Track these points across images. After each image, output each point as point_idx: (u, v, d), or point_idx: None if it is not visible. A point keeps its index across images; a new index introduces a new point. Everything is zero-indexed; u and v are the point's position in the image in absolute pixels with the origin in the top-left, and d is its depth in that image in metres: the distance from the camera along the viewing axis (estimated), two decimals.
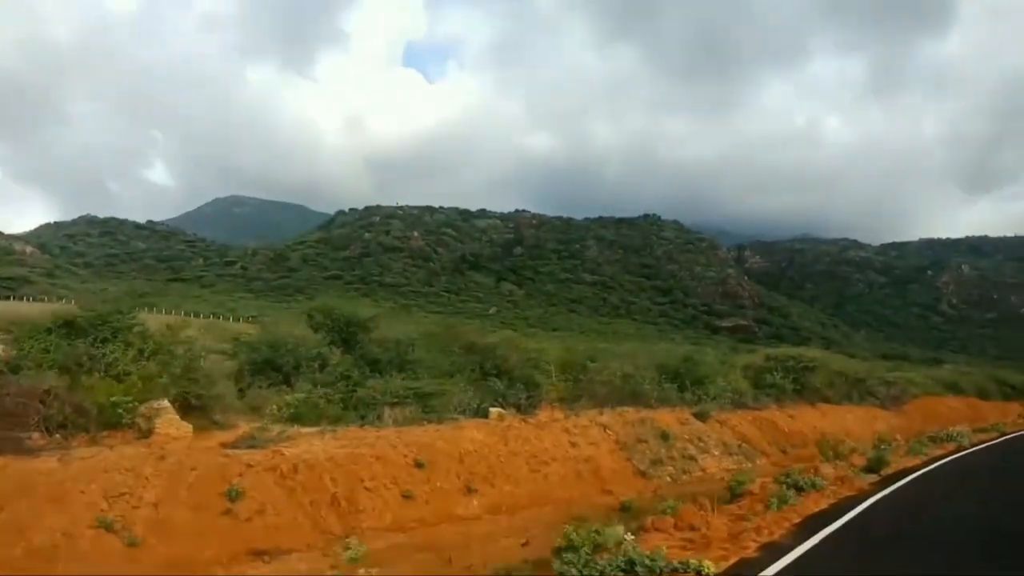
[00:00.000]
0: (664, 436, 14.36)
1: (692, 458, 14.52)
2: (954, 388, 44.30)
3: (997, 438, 25.71)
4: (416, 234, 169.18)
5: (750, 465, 15.80)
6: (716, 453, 15.39)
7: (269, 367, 16.10)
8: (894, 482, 13.19)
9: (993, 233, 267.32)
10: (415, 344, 16.78)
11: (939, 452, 19.05)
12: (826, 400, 25.34)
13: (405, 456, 9.87)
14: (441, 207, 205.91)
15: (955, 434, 22.56)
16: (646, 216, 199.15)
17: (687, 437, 15.16)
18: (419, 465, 9.81)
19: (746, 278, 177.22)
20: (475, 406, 13.32)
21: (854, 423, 24.62)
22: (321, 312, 18.66)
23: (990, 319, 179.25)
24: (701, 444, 15.31)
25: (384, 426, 11.48)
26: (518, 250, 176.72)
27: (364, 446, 9.74)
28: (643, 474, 12.92)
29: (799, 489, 11.64)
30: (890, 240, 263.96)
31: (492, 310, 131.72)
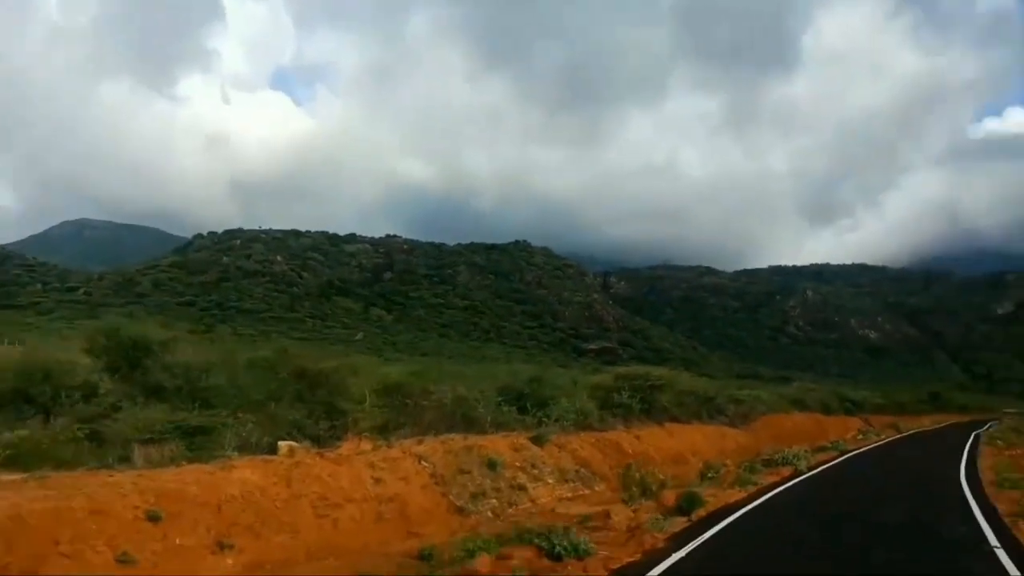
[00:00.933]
0: (492, 465, 12.77)
1: (522, 488, 12.99)
2: (800, 404, 45.86)
3: (837, 458, 25.58)
4: (280, 258, 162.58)
5: (587, 491, 14.54)
6: (551, 481, 13.97)
7: (20, 398, 13.29)
8: (698, 534, 11.00)
9: (834, 261, 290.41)
10: (212, 370, 14.32)
11: (771, 479, 17.67)
12: (675, 419, 24.79)
13: (136, 507, 7.65)
14: (308, 231, 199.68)
15: (792, 456, 21.56)
16: (517, 242, 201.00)
17: (519, 464, 13.65)
18: (153, 518, 7.61)
19: (611, 303, 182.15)
20: (261, 441, 11.13)
21: (702, 442, 24.18)
22: (105, 334, 15.86)
23: (832, 340, 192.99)
24: (535, 471, 13.84)
25: (132, 468, 9.18)
26: (388, 275, 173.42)
27: (80, 496, 7.47)
28: (460, 510, 11.25)
29: (555, 558, 8.92)
30: (743, 267, 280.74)
31: (359, 336, 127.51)
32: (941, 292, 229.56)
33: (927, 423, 59.95)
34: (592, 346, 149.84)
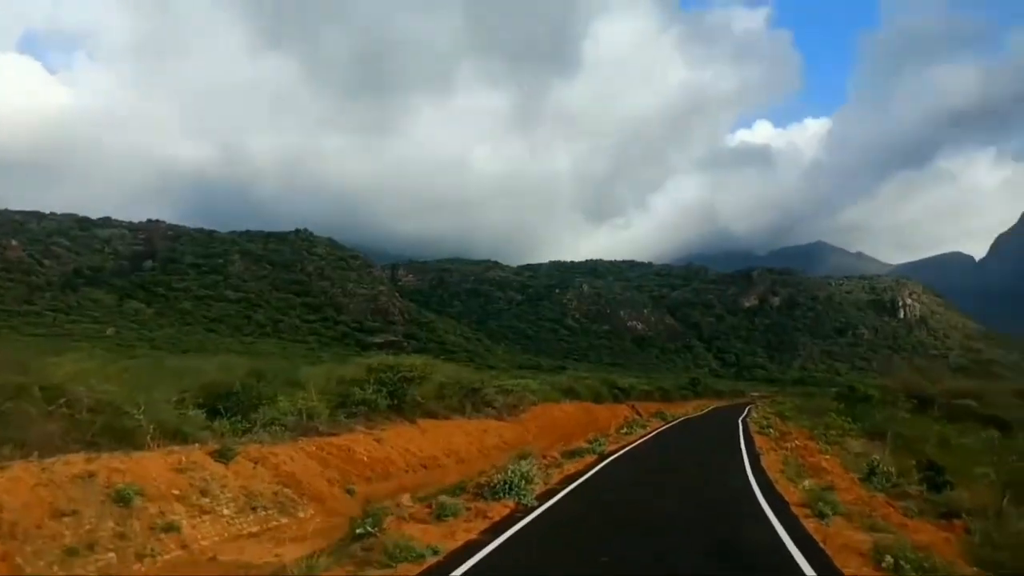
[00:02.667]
0: (123, 498, 8.71)
1: (172, 528, 9.03)
2: (571, 393, 45.33)
3: (591, 466, 19.12)
4: (15, 243, 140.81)
5: (285, 521, 10.89)
6: (228, 511, 10.15)
7: None
8: None
9: (607, 257, 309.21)
10: None
11: (499, 512, 11.98)
12: (432, 415, 21.81)
13: None
14: (52, 213, 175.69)
15: (518, 479, 13.64)
16: (298, 231, 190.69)
17: (178, 493, 9.66)
18: None
19: (398, 295, 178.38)
20: None
21: (462, 439, 21.37)
22: None
23: (605, 331, 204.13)
24: (204, 500, 9.94)
25: None
26: (149, 264, 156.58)
27: None
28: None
29: None
30: (526, 262, 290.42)
31: (110, 331, 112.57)
32: (699, 286, 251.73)
33: (691, 409, 61.61)
34: (377, 340, 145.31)
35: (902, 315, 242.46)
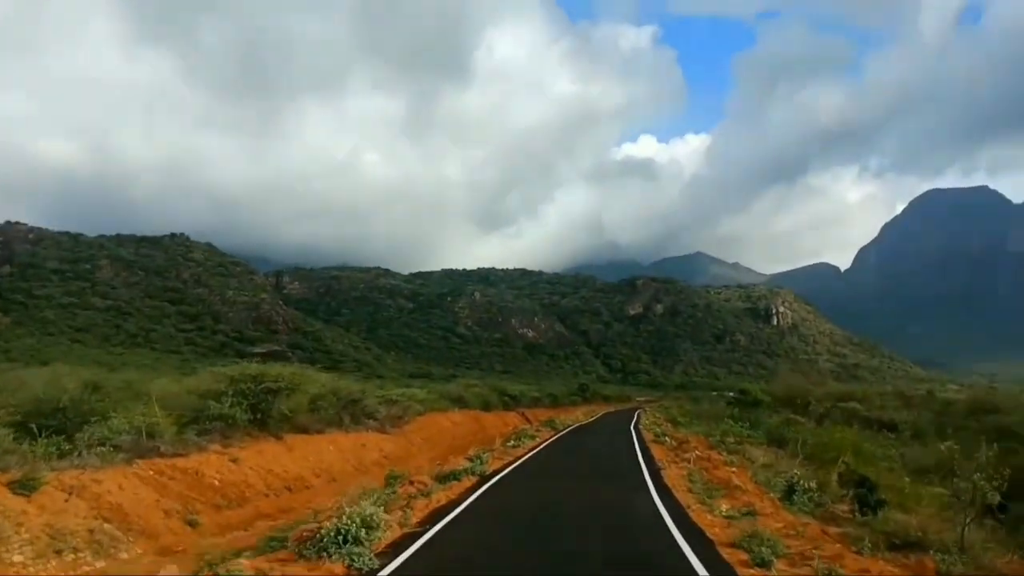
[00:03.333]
0: None
1: None
2: (460, 402, 44.00)
3: (465, 495, 15.28)
4: None
5: (104, 563, 8.98)
6: (20, 557, 8.15)
7: None
8: None
9: (499, 265, 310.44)
10: None
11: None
12: (303, 430, 19.84)
13: None
14: None
15: (369, 518, 10.14)
16: (174, 236, 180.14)
17: None
18: None
19: (282, 304, 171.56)
20: None
21: (335, 456, 19.50)
22: None
23: (497, 338, 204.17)
24: None
25: None
26: (6, 269, 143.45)
27: None
28: None
29: None
30: (417, 270, 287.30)
31: None
32: (587, 295, 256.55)
33: (581, 415, 59.58)
34: (259, 350, 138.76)
35: (775, 322, 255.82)
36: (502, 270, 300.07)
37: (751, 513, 13.32)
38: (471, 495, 15.34)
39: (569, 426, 44.39)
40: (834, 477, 17.51)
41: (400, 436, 26.17)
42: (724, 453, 24.23)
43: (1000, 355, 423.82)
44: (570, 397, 79.68)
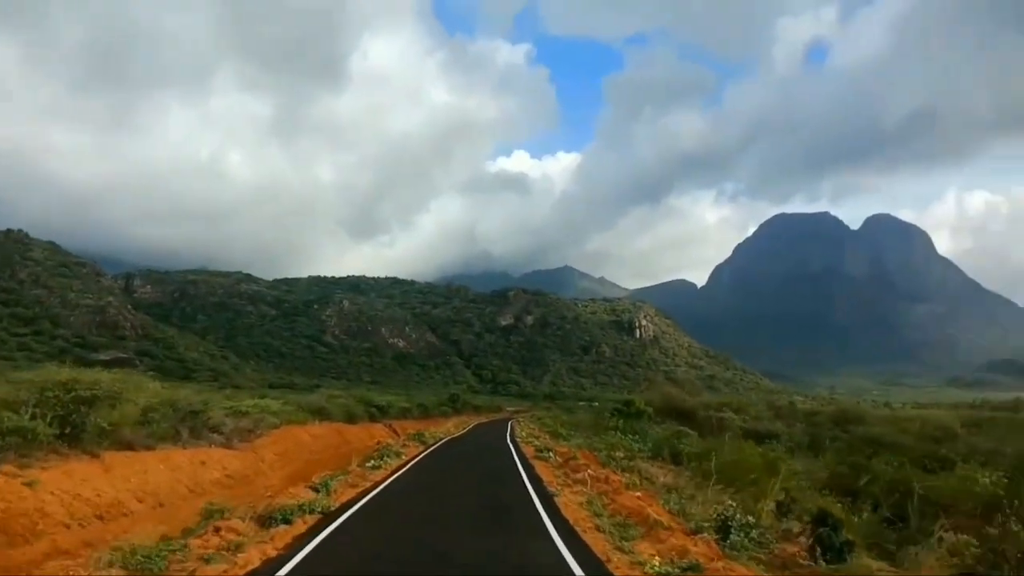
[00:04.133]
0: None
1: None
2: (323, 414, 41.24)
3: (301, 544, 11.01)
4: None
5: None
6: None
7: None
8: None
9: (370, 274, 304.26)
10: None
11: None
12: (128, 446, 16.94)
13: None
14: None
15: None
16: (9, 232, 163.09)
17: None
18: None
19: (131, 308, 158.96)
20: None
21: (167, 477, 16.66)
22: None
23: (366, 348, 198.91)
24: None
25: None
26: None
27: None
28: None
29: None
30: (283, 275, 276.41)
31: None
32: (459, 305, 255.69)
33: (452, 427, 56.95)
34: (103, 356, 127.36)
35: (638, 335, 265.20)
36: (373, 278, 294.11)
37: (693, 567, 9.85)
38: (301, 550, 10.51)
39: (440, 439, 40.27)
40: (768, 506, 14.62)
41: (249, 452, 23.42)
42: (620, 472, 20.95)
43: (839, 368, 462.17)
44: (440, 408, 77.75)
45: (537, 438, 39.32)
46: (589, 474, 20.16)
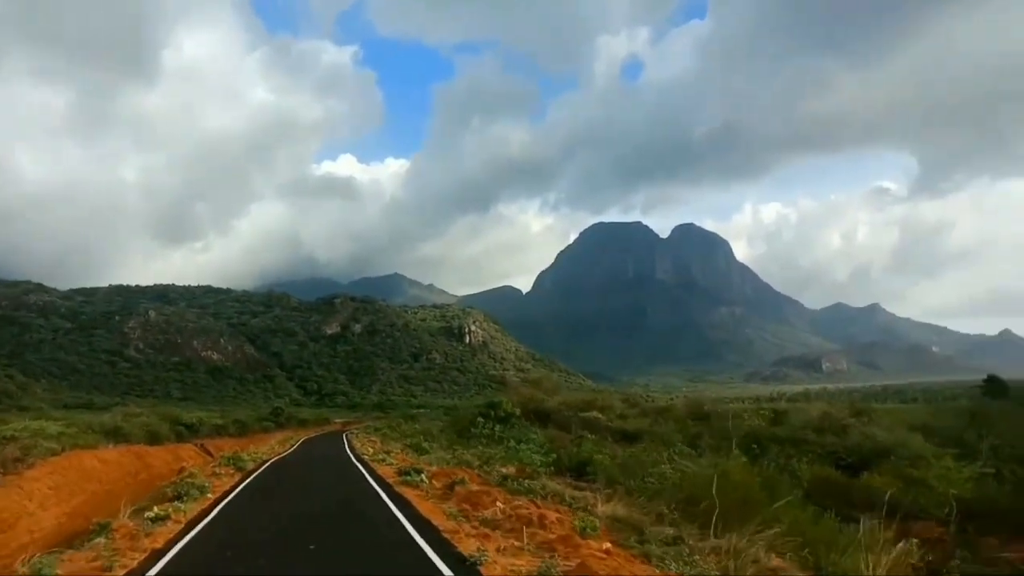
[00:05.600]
0: None
1: None
2: (118, 435, 35.89)
3: None
4: None
5: None
6: None
7: None
8: None
9: (180, 282, 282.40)
10: None
11: None
12: None
13: None
14: None
15: None
16: None
17: None
18: None
19: None
20: None
21: None
22: None
23: (175, 362, 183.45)
24: None
25: None
26: None
27: None
28: None
29: None
30: (80, 285, 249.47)
31: None
32: (281, 314, 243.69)
33: (276, 444, 50.92)
34: None
35: (468, 340, 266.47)
36: (183, 287, 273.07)
37: None
38: None
39: (264, 461, 32.65)
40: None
41: (12, 487, 19.06)
42: (541, 502, 15.05)
43: (652, 368, 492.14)
44: (262, 423, 72.00)
45: (388, 453, 33.35)
46: (501, 509, 13.76)
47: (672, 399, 71.16)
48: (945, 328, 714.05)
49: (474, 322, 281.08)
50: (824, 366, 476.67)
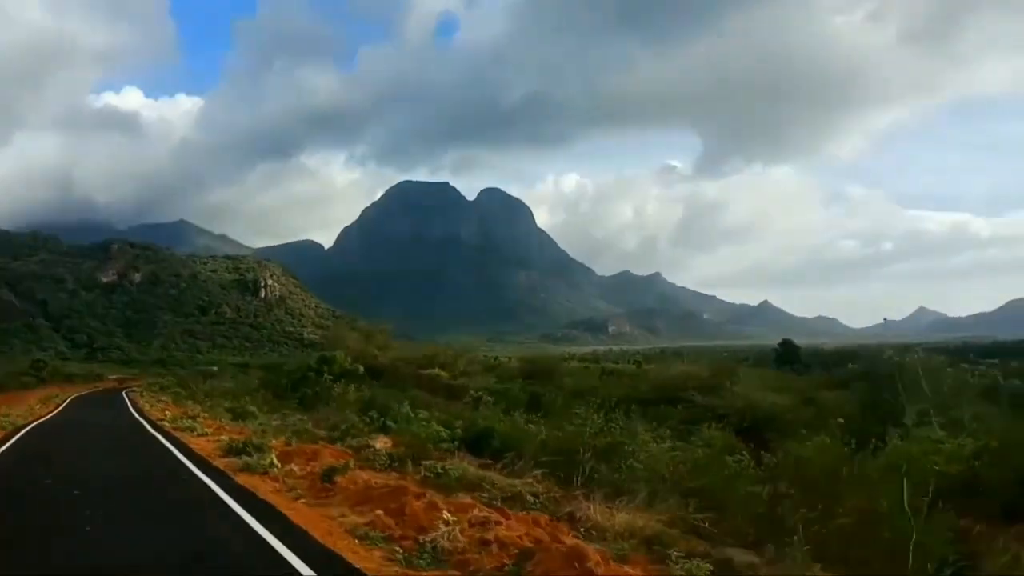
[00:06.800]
0: None
1: None
2: None
3: None
4: None
5: None
6: None
7: None
8: None
9: None
10: None
11: None
12: None
13: None
14: None
15: None
16: None
17: None
18: None
19: None
20: None
21: None
22: None
23: None
24: None
25: None
26: None
27: None
28: None
29: None
30: None
31: None
32: (48, 258, 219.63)
33: (37, 405, 42.40)
34: None
35: (263, 295, 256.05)
36: None
37: None
38: None
39: (18, 429, 26.08)
40: None
41: None
42: (486, 500, 10.62)
43: (454, 329, 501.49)
44: (20, 378, 65.98)
45: (195, 419, 26.91)
46: (452, 524, 8.69)
47: (504, 359, 67.01)
48: (715, 297, 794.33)
49: (271, 276, 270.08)
50: (610, 329, 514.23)
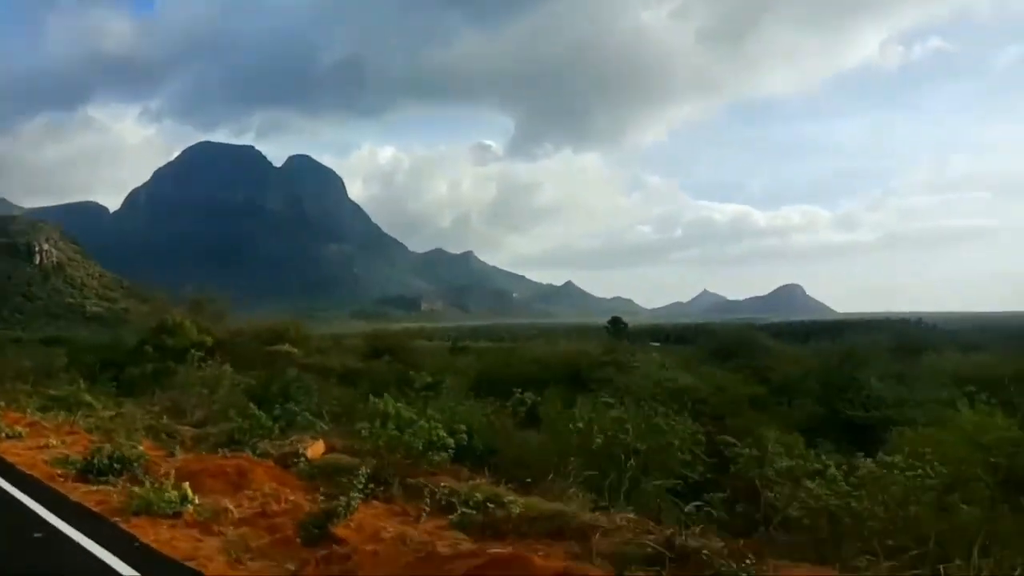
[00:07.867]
0: None
1: None
2: None
3: None
4: None
5: None
6: None
7: None
8: None
9: None
10: None
11: None
12: None
13: None
14: None
15: None
16: None
17: None
18: None
19: None
20: None
21: None
22: None
23: None
24: None
25: None
26: None
27: None
28: None
29: None
30: None
31: None
32: None
33: None
34: None
35: (39, 261, 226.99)
36: None
37: None
38: None
39: None
40: None
41: None
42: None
43: (258, 305, 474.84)
44: None
45: None
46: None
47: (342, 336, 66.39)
48: (523, 276, 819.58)
49: (47, 240, 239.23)
50: (423, 306, 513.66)
